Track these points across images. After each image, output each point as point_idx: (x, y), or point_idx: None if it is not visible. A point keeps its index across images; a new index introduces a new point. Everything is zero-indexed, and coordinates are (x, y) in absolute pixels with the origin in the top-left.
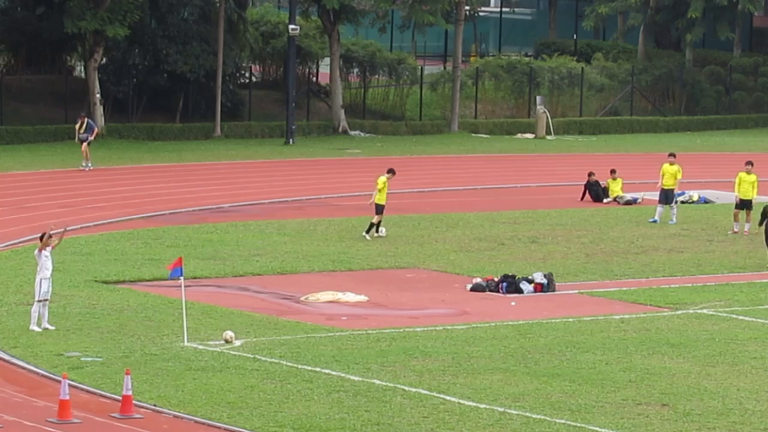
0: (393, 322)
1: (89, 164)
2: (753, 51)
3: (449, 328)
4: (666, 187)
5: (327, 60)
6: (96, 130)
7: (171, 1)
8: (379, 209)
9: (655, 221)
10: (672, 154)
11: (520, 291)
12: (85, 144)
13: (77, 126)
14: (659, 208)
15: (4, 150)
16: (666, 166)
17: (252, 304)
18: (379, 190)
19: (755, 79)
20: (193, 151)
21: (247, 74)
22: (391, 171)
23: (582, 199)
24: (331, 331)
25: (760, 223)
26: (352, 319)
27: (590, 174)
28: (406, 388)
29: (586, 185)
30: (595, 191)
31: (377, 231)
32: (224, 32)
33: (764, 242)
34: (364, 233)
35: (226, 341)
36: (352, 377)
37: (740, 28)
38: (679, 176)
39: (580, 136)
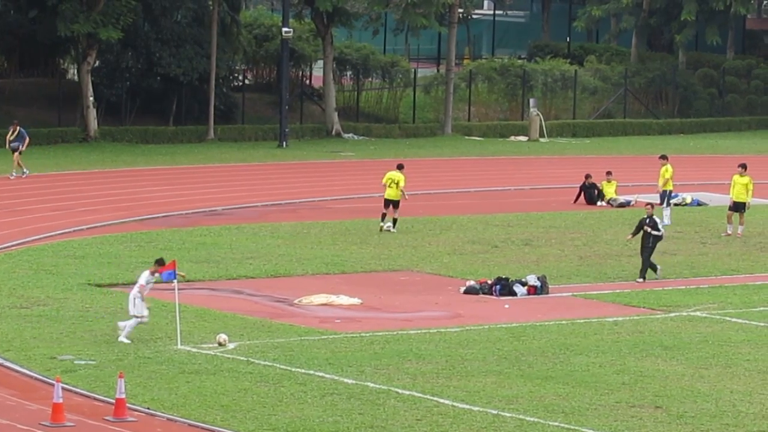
0: (386, 324)
1: (25, 171)
2: (746, 54)
3: (443, 330)
4: (662, 189)
5: (320, 63)
6: (27, 139)
7: (164, 4)
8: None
9: (666, 224)
10: (661, 156)
11: (514, 294)
12: (17, 153)
13: (9, 134)
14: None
15: None
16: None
17: (245, 307)
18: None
19: (748, 82)
20: (186, 154)
21: (240, 77)
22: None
23: (575, 201)
24: (325, 333)
25: (634, 234)
26: (345, 322)
27: (587, 176)
28: (400, 391)
29: (581, 187)
30: (590, 193)
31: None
32: (217, 35)
33: (639, 251)
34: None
35: (220, 344)
36: (345, 380)
37: (733, 30)
38: (667, 175)
39: (574, 138)
